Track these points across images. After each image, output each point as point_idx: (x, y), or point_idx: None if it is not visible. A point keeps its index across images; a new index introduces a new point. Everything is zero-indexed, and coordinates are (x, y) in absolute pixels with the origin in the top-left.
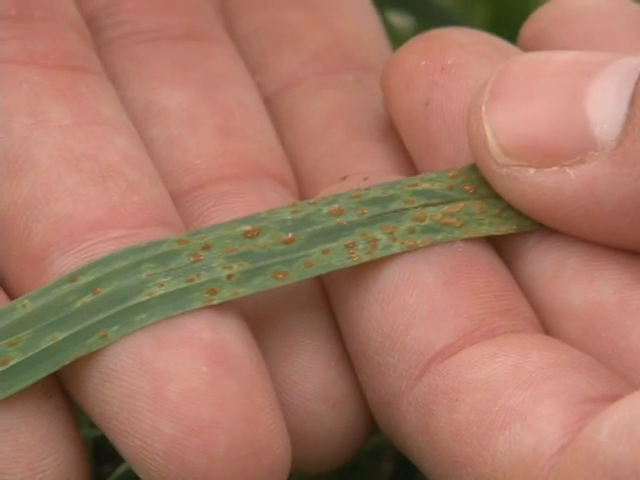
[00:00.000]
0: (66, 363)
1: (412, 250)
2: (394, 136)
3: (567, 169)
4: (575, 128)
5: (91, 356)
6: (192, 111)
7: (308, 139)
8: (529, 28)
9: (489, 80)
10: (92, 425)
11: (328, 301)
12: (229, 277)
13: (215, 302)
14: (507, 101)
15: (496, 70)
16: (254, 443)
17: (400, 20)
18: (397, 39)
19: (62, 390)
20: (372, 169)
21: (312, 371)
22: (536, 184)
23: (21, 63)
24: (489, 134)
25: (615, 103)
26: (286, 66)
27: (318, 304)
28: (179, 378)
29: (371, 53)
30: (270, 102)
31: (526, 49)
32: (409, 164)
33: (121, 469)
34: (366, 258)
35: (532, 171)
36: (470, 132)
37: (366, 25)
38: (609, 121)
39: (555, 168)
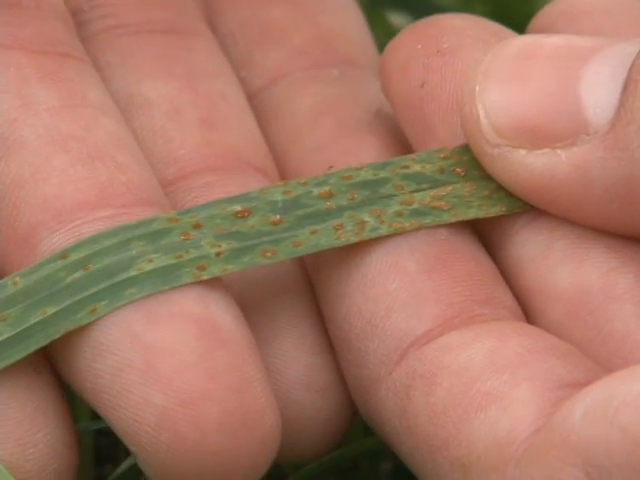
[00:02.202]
0: (56, 337)
1: (400, 233)
2: (381, 130)
3: (559, 151)
4: (568, 111)
5: (82, 331)
6: (175, 103)
7: (295, 133)
8: (537, 24)
9: (484, 61)
10: (92, 417)
11: (312, 289)
12: (218, 254)
13: (204, 278)
14: (500, 82)
15: (491, 51)
16: (245, 415)
17: (399, 20)
18: None
19: (52, 367)
20: (359, 162)
21: (296, 358)
22: (527, 165)
23: (8, 48)
24: (482, 114)
25: (609, 88)
26: (271, 61)
27: (302, 291)
28: (170, 351)
29: (355, 48)
30: (256, 97)
31: None
32: (396, 155)
33: (121, 468)
34: (353, 239)
35: (523, 152)
36: (463, 112)
37: (350, 21)
38: (602, 105)
39: (546, 150)
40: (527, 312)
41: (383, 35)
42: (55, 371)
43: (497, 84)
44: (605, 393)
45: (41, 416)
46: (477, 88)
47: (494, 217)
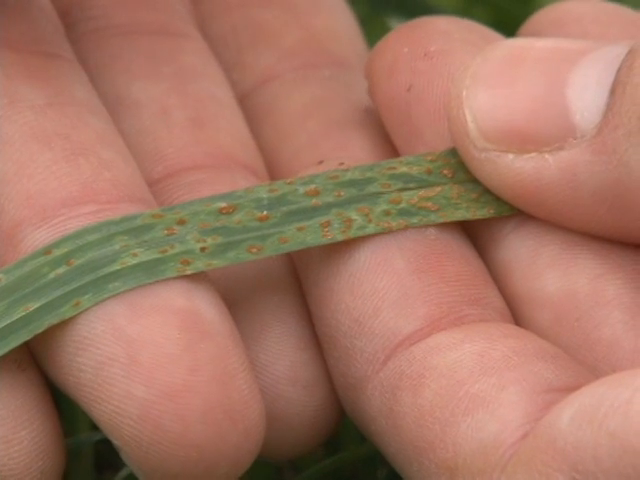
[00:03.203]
0: (39, 331)
1: (387, 232)
2: (372, 128)
3: (546, 155)
4: (555, 115)
5: (65, 325)
6: (164, 103)
7: (286, 131)
8: (526, 31)
9: (471, 64)
10: (92, 428)
11: (299, 284)
12: (203, 249)
13: (188, 272)
14: (488, 86)
15: (478, 55)
16: (228, 407)
17: (399, 25)
18: None
19: (36, 364)
20: (349, 157)
21: (282, 353)
22: (515, 169)
23: None
24: (469, 118)
25: (596, 91)
26: (263, 62)
27: (289, 287)
28: (152, 344)
29: (347, 49)
30: (248, 98)
31: None
32: (388, 155)
33: (122, 474)
34: (340, 237)
35: (511, 156)
36: (450, 116)
37: (341, 22)
38: (589, 109)
39: (534, 154)
40: (515, 318)
41: None
42: (39, 368)
43: (484, 88)
44: (593, 398)
45: (25, 414)
46: (464, 92)
47: (482, 221)
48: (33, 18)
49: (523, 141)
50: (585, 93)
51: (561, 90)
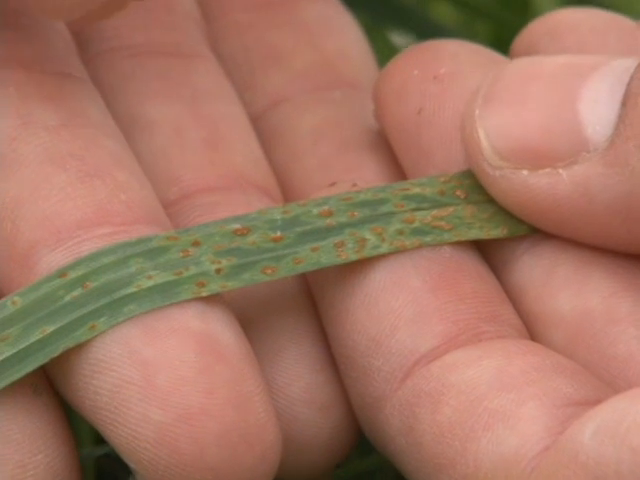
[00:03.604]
0: (55, 355)
1: (400, 251)
2: (383, 149)
3: (560, 170)
4: (567, 129)
5: (80, 348)
6: (178, 124)
7: (298, 153)
8: (521, 42)
9: (484, 84)
10: (95, 443)
11: (314, 306)
12: (218, 271)
13: (203, 294)
14: (500, 104)
15: (491, 74)
16: (244, 430)
17: (401, 40)
18: None
19: (52, 389)
20: (361, 179)
21: (297, 375)
22: (529, 185)
23: (8, 67)
24: (482, 137)
25: (607, 104)
26: (274, 84)
27: (304, 309)
28: (168, 366)
29: (358, 71)
30: (259, 119)
31: None
32: (399, 177)
33: None
34: (354, 257)
35: (525, 173)
36: (464, 136)
37: (353, 44)
38: (601, 122)
39: (548, 169)
40: (530, 337)
41: (384, 55)
42: (55, 392)
43: (497, 107)
44: (615, 413)
45: (41, 438)
46: (477, 111)
47: (495, 243)
48: (47, 38)
49: (537, 157)
50: (596, 107)
51: (573, 105)
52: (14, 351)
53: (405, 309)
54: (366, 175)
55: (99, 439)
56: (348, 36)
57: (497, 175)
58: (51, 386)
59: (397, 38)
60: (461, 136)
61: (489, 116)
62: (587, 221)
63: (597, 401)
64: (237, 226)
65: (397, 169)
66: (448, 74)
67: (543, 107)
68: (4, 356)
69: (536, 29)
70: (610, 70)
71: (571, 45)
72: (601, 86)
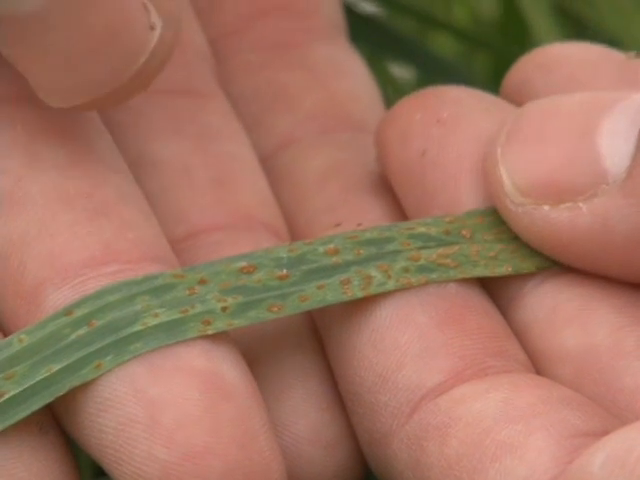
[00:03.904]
0: (61, 394)
1: (406, 288)
2: (390, 193)
3: (580, 204)
4: (587, 163)
5: (86, 386)
6: (186, 162)
7: (304, 194)
8: (513, 76)
9: (506, 123)
10: (95, 476)
11: (320, 344)
12: (224, 309)
13: (209, 332)
14: (522, 143)
15: (514, 114)
16: (249, 469)
17: (401, 71)
18: (398, 90)
19: (58, 427)
20: (367, 220)
21: (303, 414)
22: (550, 220)
23: (15, 103)
24: (504, 175)
25: (626, 136)
26: (283, 126)
27: (310, 346)
28: (173, 405)
29: (367, 114)
30: (267, 161)
31: (508, 98)
32: (403, 220)
33: None
34: (360, 294)
35: (547, 208)
36: (487, 174)
37: (362, 86)
38: (619, 154)
39: (569, 204)
40: (536, 373)
41: (384, 86)
42: (61, 431)
43: (518, 145)
44: (625, 443)
45: (47, 477)
46: (499, 150)
47: (501, 281)
48: None
49: (558, 192)
50: (615, 139)
51: (592, 139)
52: (20, 389)
53: (412, 345)
54: (372, 218)
55: (97, 472)
56: (357, 78)
57: (519, 211)
58: (57, 424)
59: (396, 69)
60: (484, 174)
61: (511, 154)
62: (607, 252)
63: (604, 432)
64: (243, 264)
65: (401, 213)
66: (451, 117)
67: (563, 143)
68: (10, 394)
69: (527, 64)
70: (631, 103)
71: (562, 79)
72: (620, 118)
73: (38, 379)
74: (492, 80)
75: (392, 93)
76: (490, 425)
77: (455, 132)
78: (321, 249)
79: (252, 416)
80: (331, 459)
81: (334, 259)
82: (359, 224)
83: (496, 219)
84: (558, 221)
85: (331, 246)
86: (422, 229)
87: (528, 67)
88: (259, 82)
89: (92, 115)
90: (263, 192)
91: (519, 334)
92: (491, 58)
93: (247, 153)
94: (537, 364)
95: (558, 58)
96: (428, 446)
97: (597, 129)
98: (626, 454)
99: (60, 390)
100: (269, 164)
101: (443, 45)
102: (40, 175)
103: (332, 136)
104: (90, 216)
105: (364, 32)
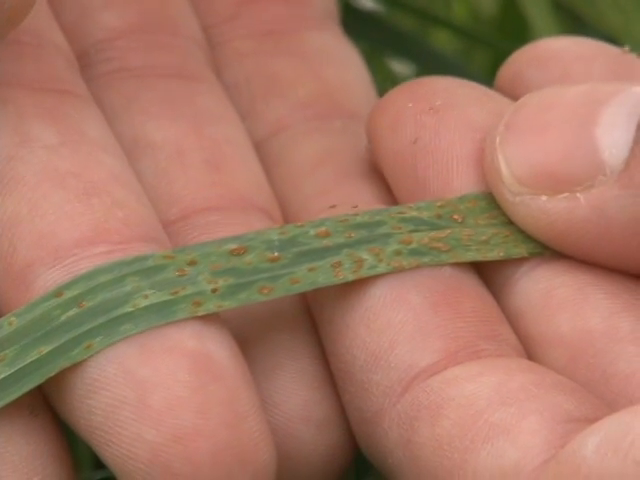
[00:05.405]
0: (51, 375)
1: (398, 271)
2: (382, 179)
3: (578, 194)
4: (585, 154)
5: (76, 368)
6: (180, 145)
7: (296, 180)
8: (505, 71)
9: (506, 113)
10: (94, 467)
11: (311, 323)
12: (214, 291)
13: (199, 314)
14: (520, 133)
15: (513, 105)
16: (238, 450)
17: (400, 67)
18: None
19: (49, 409)
20: (361, 203)
21: (294, 392)
22: (547, 210)
23: (7, 85)
24: (502, 165)
25: (624, 128)
26: (275, 113)
27: (301, 326)
28: (162, 386)
29: (359, 101)
30: (259, 147)
31: (502, 91)
32: (397, 204)
33: None
34: (351, 277)
35: (544, 198)
36: (485, 163)
37: (354, 74)
38: (617, 145)
39: (566, 194)
40: (530, 359)
41: (383, 82)
42: (52, 413)
43: (517, 135)
44: (619, 427)
45: (38, 459)
46: (498, 139)
47: (494, 266)
48: (46, 55)
49: (556, 183)
50: (613, 130)
51: (590, 130)
52: (11, 372)
53: (405, 324)
54: (364, 202)
55: (98, 463)
56: (350, 66)
57: (517, 201)
58: (48, 407)
59: (396, 66)
60: (482, 163)
61: (510, 144)
62: (605, 243)
63: (596, 419)
64: (234, 246)
65: (393, 199)
66: (443, 106)
67: (562, 134)
68: (0, 377)
69: (521, 58)
70: (629, 96)
71: (556, 73)
72: (619, 111)
73: (28, 361)
74: (491, 76)
75: (391, 89)
76: (483, 407)
77: (447, 120)
78: (312, 232)
79: (241, 397)
80: (322, 438)
81: (325, 242)
82: (354, 206)
83: (488, 204)
84: (555, 211)
85: (322, 229)
86: (414, 213)
87: (522, 61)
88: (252, 69)
89: (85, 95)
90: (257, 175)
91: (512, 319)
92: (490, 55)
93: (241, 136)
94: (531, 349)
95: (552, 52)
96: (419, 426)
97: (596, 121)
98: (620, 438)
99: (50, 371)
100: (262, 150)
101: (442, 41)
102: (30, 155)
103: (324, 123)
104: (80, 196)
105: (364, 28)
